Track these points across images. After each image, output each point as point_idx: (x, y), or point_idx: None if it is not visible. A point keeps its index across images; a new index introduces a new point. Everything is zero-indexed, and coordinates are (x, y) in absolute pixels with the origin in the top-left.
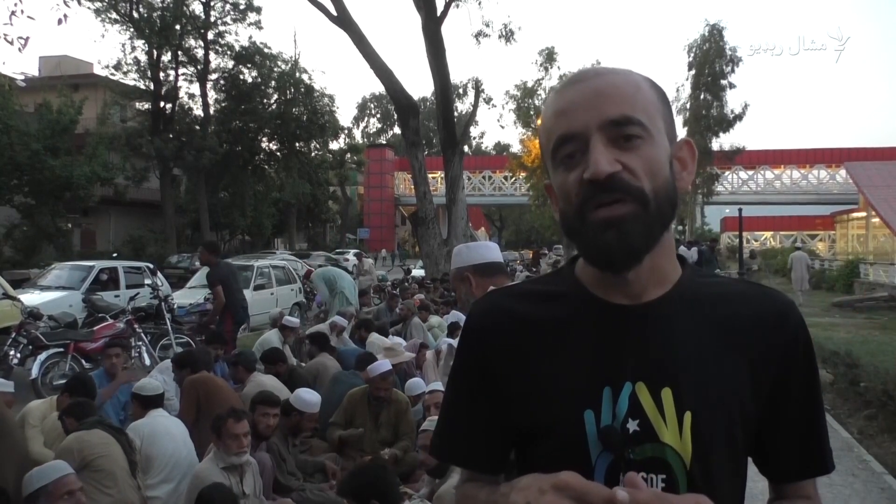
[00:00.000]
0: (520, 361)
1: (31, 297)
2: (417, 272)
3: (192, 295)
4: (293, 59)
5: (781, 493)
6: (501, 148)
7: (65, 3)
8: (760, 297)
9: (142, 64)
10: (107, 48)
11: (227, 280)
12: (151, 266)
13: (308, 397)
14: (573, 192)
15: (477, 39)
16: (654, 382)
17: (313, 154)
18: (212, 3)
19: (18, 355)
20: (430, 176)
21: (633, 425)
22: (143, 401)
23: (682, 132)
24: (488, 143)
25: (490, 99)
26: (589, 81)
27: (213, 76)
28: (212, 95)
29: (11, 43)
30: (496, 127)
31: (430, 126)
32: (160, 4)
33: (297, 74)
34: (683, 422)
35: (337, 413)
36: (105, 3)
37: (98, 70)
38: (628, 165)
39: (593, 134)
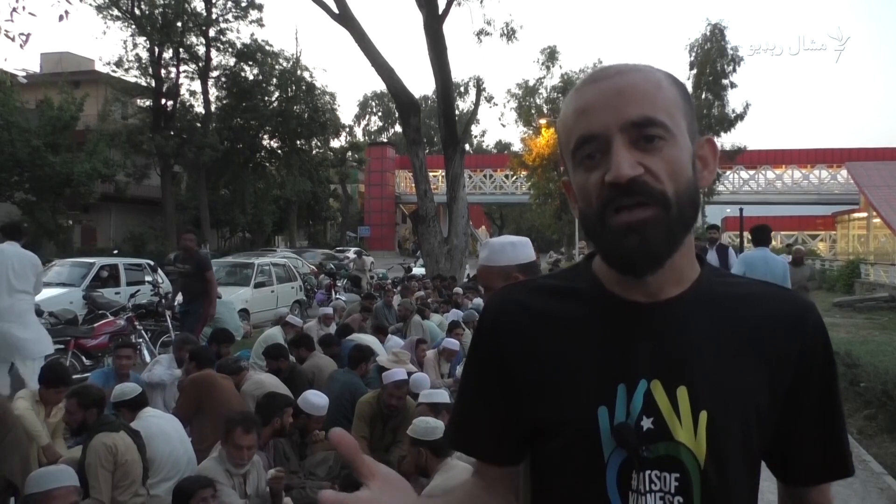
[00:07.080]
0: (534, 356)
1: None
2: (418, 270)
3: None
4: (294, 56)
5: (796, 498)
6: (502, 146)
7: None
8: (779, 299)
9: (143, 61)
10: (108, 45)
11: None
12: (152, 263)
13: (316, 400)
14: (594, 193)
15: (478, 38)
16: (669, 380)
17: (314, 152)
18: (213, 1)
19: None
20: (430, 174)
21: (647, 423)
22: (129, 405)
23: None
24: (489, 142)
25: (491, 97)
26: (609, 80)
27: (215, 73)
28: (213, 93)
29: (13, 39)
30: (497, 125)
31: (431, 124)
32: (162, 1)
33: (299, 72)
34: (699, 421)
35: (358, 426)
36: (106, 0)
37: (99, 67)
38: (650, 168)
39: (615, 136)
